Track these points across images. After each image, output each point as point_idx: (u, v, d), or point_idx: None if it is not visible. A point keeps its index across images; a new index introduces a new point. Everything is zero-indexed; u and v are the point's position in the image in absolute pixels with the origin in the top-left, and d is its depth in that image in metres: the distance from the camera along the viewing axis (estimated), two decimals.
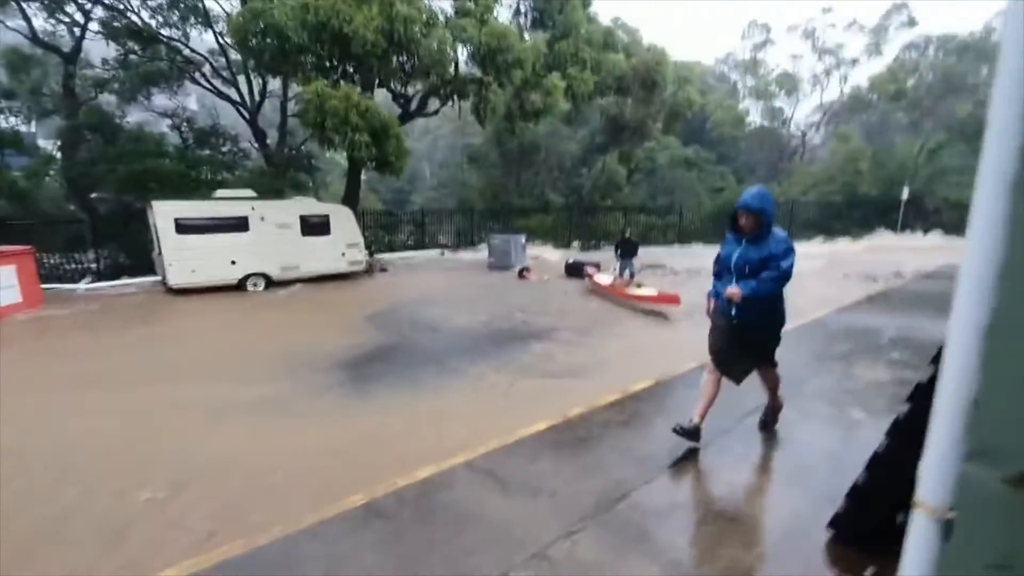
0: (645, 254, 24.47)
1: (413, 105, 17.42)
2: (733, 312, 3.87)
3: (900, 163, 26.79)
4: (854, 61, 35.23)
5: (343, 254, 14.72)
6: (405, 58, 13.38)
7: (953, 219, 25.52)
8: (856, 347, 6.70)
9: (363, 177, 18.53)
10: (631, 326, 9.74)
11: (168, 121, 20.04)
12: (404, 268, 18.71)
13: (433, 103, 17.07)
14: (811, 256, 21.91)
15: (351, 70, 13.98)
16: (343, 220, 14.80)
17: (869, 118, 34.97)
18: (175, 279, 12.73)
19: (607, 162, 25.69)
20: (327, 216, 14.38)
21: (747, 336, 3.92)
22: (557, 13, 15.82)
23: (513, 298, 12.81)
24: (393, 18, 12.56)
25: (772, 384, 4.26)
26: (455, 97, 15.61)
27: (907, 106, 32.44)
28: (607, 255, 24.39)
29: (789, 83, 34.87)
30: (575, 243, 25.47)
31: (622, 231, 13.64)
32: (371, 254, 17.37)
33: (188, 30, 18.04)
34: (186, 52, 18.51)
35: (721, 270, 4.03)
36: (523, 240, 19.32)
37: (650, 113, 16.37)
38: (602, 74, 16.46)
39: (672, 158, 28.49)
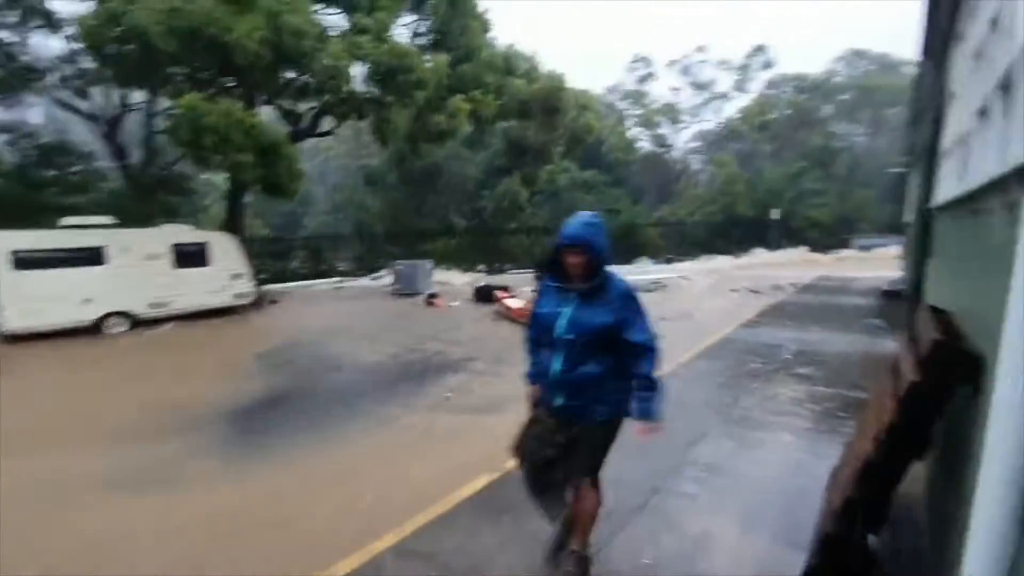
0: None
1: (305, 124, 16.35)
2: (560, 402, 2.68)
3: (769, 187, 30.05)
4: (725, 95, 39.28)
5: (226, 286, 13.21)
6: (296, 73, 12.44)
7: (815, 236, 29.02)
8: (767, 363, 7.00)
9: (247, 200, 16.98)
10: None
11: (3, 137, 17.11)
12: (299, 299, 17.30)
13: (327, 122, 16.14)
14: (704, 272, 23.68)
15: (232, 84, 12.75)
16: (224, 248, 13.33)
17: (741, 147, 39.00)
18: (14, 323, 10.60)
19: (509, 185, 26.02)
20: (204, 244, 12.85)
21: (579, 433, 2.71)
22: (458, 36, 15.79)
23: (423, 327, 12.21)
24: (280, 29, 11.66)
25: (586, 517, 2.79)
26: (353, 116, 14.85)
27: (770, 136, 36.62)
28: (514, 278, 24.61)
29: (671, 113, 37.95)
30: (481, 266, 25.33)
31: (538, 264, 13.79)
32: (259, 285, 15.85)
33: (28, 34, 15.60)
34: (25, 59, 15.98)
35: (539, 336, 2.78)
36: (430, 265, 18.76)
37: (552, 138, 16.84)
38: (505, 98, 16.65)
39: (572, 181, 29.56)
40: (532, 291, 17.07)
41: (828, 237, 28.93)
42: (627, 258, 26.23)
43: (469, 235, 25.54)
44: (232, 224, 16.62)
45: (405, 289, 17.61)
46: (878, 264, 23.85)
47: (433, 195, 25.57)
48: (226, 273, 13.19)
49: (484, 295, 16.03)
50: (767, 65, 38.37)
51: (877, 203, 31.37)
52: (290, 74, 12.41)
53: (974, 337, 2.35)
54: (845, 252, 27.76)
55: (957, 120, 4.17)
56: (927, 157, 8.49)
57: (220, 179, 18.24)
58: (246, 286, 13.70)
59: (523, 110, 16.90)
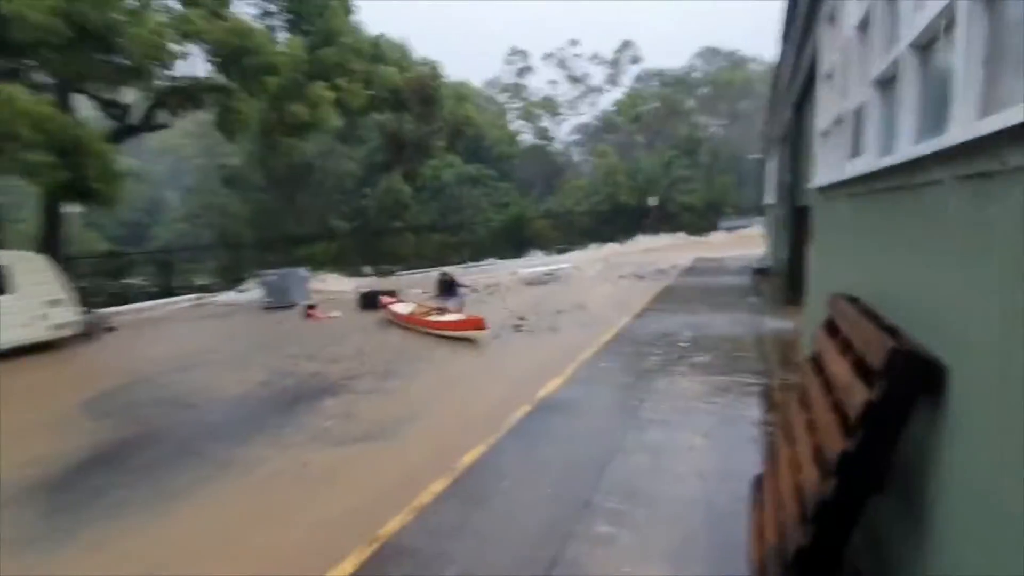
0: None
1: (136, 117, 13.89)
2: None
3: (646, 175, 31.69)
4: (600, 89, 40.83)
5: (38, 317, 10.75)
6: (104, 54, 10.25)
7: (688, 220, 31.15)
8: (667, 355, 6.87)
9: (72, 211, 14.12)
10: (439, 359, 8.84)
11: None
12: (145, 324, 14.82)
13: (162, 114, 13.82)
14: (592, 260, 24.30)
15: (17, 67, 10.25)
16: (33, 271, 10.86)
17: (618, 138, 40.82)
18: None
19: (391, 182, 24.71)
20: (2, 268, 10.35)
21: None
22: (316, 17, 14.28)
23: (298, 344, 10.88)
24: None
25: None
26: (189, 106, 12.77)
27: (643, 128, 38.72)
28: (405, 280, 23.49)
29: (550, 106, 38.67)
30: (367, 269, 23.83)
31: (441, 273, 12.70)
32: (90, 311, 13.26)
33: None
34: None
35: None
36: (305, 273, 17.08)
37: (432, 130, 16.01)
38: (376, 87, 15.44)
39: (458, 176, 28.89)
40: (423, 293, 16.14)
41: (700, 220, 31.19)
42: (519, 250, 26.22)
43: (352, 237, 23.88)
44: (49, 240, 13.76)
45: (277, 302, 15.85)
46: (742, 243, 26.04)
47: (306, 195, 23.51)
48: (37, 301, 10.74)
49: (370, 301, 14.85)
50: (635, 60, 40.51)
51: (736, 188, 34.41)
52: (98, 54, 10.19)
53: (915, 336, 2.03)
54: (715, 234, 30.11)
55: (840, 99, 4.09)
56: (793, 141, 9.02)
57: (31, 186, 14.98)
58: (67, 314, 11.28)
59: (397, 100, 15.83)
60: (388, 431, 5.73)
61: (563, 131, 42.35)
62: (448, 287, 12.29)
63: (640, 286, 15.47)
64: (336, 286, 19.87)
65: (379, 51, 15.88)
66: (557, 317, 12.06)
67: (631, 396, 5.19)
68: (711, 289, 12.52)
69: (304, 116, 13.17)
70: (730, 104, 37.48)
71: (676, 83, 38.69)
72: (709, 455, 4.03)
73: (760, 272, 14.28)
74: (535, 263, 24.13)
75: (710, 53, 38.31)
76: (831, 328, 2.90)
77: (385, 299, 13.63)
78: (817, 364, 2.88)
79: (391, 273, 24.07)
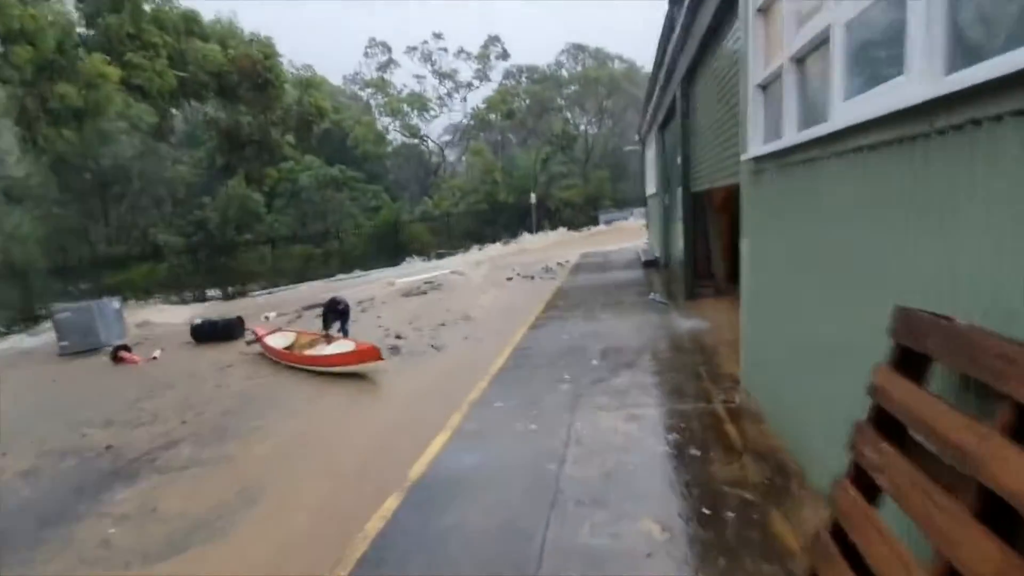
0: (308, 290, 21.45)
1: None
2: None
3: (523, 172, 31.15)
4: (469, 85, 39.76)
5: None
6: None
7: (569, 216, 31.17)
8: (578, 380, 5.60)
9: None
10: (289, 408, 6.83)
11: None
12: None
13: None
14: (476, 263, 22.98)
15: None
16: None
17: (492, 136, 40.08)
18: None
19: (235, 188, 21.32)
20: None
21: None
22: None
23: (97, 403, 8.21)
24: None
25: None
26: None
27: (516, 125, 38.37)
28: (263, 302, 20.31)
29: (418, 102, 36.80)
30: (213, 292, 20.30)
31: (331, 299, 10.14)
32: None
33: None
34: None
35: None
36: (116, 305, 13.67)
37: (271, 121, 13.47)
38: (190, 68, 12.55)
39: (318, 179, 25.97)
40: (277, 317, 13.70)
41: (580, 215, 31.35)
42: (395, 258, 24.10)
43: (189, 255, 20.14)
44: None
45: (78, 344, 12.46)
46: (623, 235, 26.39)
47: (123, 208, 19.34)
48: None
49: (207, 334, 12.12)
50: (503, 56, 40.01)
51: (612, 181, 35.28)
52: None
53: None
54: (596, 228, 30.40)
55: (796, 29, 3.01)
56: (684, 122, 8.29)
57: None
58: None
59: (223, 86, 13.07)
60: (206, 532, 3.84)
61: (436, 130, 40.77)
62: (341, 315, 10.03)
63: (530, 288, 14.39)
64: (166, 317, 16.42)
65: (195, 25, 12.95)
66: (441, 332, 10.50)
67: (545, 454, 3.75)
68: (607, 287, 11.70)
69: (77, 100, 10.07)
70: (598, 101, 38.41)
71: (545, 80, 38.84)
72: (669, 551, 2.70)
73: (650, 264, 13.89)
74: (414, 271, 22.25)
75: (576, 50, 38.98)
76: (907, 357, 1.66)
77: (260, 329, 10.93)
78: (904, 436, 1.62)
79: (243, 294, 20.76)
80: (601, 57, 38.93)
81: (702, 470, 3.21)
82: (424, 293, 16.88)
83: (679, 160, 8.49)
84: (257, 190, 22.92)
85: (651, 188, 15.79)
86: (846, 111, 2.31)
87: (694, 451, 3.46)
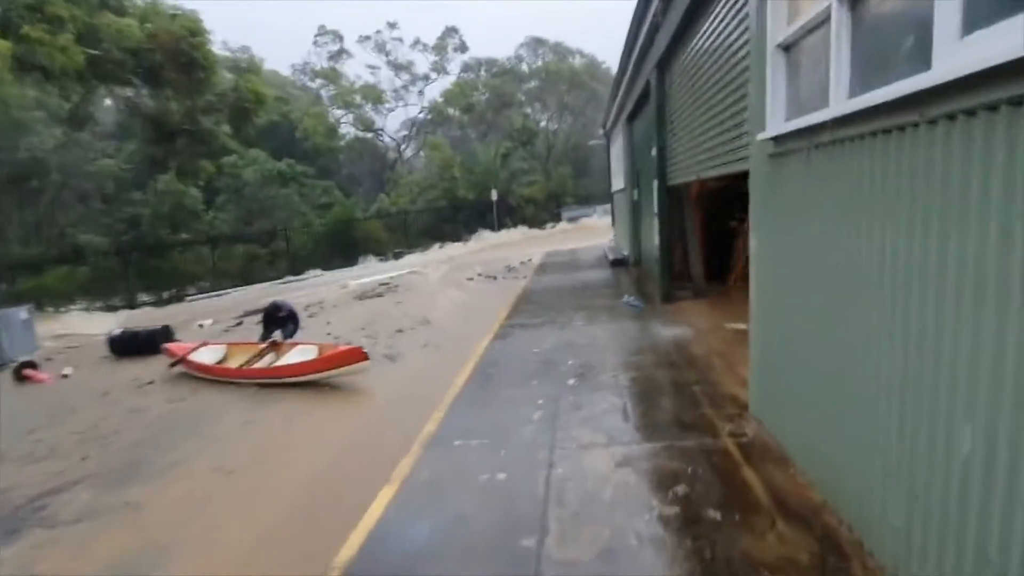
0: (253, 293, 19.81)
1: None
2: None
3: (484, 168, 30.22)
4: (426, 77, 38.50)
5: None
6: None
7: (532, 213, 30.46)
8: (551, 404, 4.81)
9: None
10: (226, 435, 5.76)
11: None
12: None
13: None
14: (435, 263, 21.93)
15: None
16: None
17: (450, 130, 38.94)
18: None
19: (169, 183, 19.56)
20: None
21: None
22: None
23: None
24: None
25: None
26: None
27: (476, 119, 37.38)
28: (201, 307, 18.70)
29: (373, 94, 35.30)
30: (143, 297, 18.56)
31: (272, 304, 8.80)
32: None
33: None
34: None
35: None
36: (24, 314, 12.05)
37: (201, 108, 12.03)
38: (103, 45, 11.03)
39: (263, 174, 24.33)
40: (213, 324, 12.51)
41: (542, 212, 30.68)
42: (349, 258, 22.77)
43: (118, 256, 18.30)
44: None
45: None
46: (587, 233, 25.87)
47: (39, 206, 17.37)
48: None
49: (127, 346, 10.75)
50: (461, 48, 38.92)
51: (574, 177, 34.78)
52: None
53: None
54: (559, 225, 29.80)
55: None
56: (660, 111, 7.59)
57: None
58: None
59: (144, 67, 11.56)
60: None
61: (393, 125, 39.31)
62: (283, 322, 8.83)
63: (494, 290, 13.57)
64: (88, 327, 14.73)
65: None
66: (397, 340, 9.56)
67: (519, 521, 2.87)
68: (576, 289, 10.98)
69: None
70: (559, 96, 37.85)
71: (505, 73, 38.00)
72: None
73: (618, 264, 13.27)
74: (369, 272, 21.06)
75: (535, 44, 38.25)
76: None
77: (174, 347, 9.26)
78: None
79: (180, 299, 19.10)
80: (561, 51, 38.39)
81: (729, 545, 2.44)
82: (380, 295, 15.80)
83: (653, 152, 7.81)
84: (193, 185, 21.16)
85: (617, 184, 15.20)
86: (965, 51, 1.57)
87: (712, 513, 2.70)
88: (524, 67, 39.35)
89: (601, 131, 18.00)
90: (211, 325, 14.05)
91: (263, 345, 8.05)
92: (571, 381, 5.13)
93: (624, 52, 9.06)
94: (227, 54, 16.32)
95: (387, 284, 17.49)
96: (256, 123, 14.20)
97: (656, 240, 8.11)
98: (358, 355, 6.43)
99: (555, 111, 38.60)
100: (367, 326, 11.40)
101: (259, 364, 7.73)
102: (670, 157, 7.38)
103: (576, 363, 5.67)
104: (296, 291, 18.25)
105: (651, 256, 9.94)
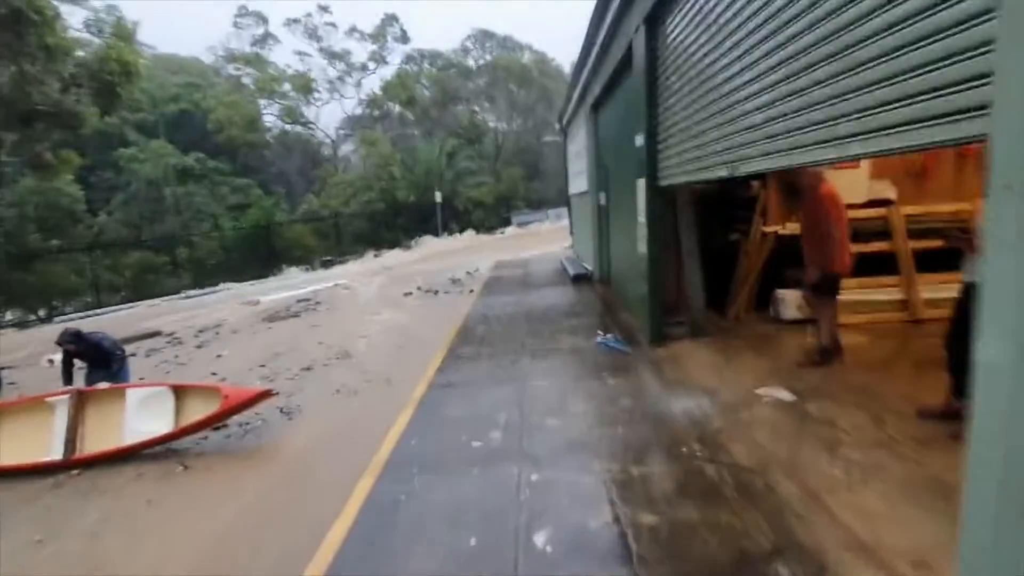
0: (144, 310, 16.38)
1: None
2: None
3: (427, 167, 27.79)
4: (364, 68, 35.64)
5: None
6: None
7: (479, 217, 28.28)
8: (499, 544, 2.69)
9: None
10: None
11: None
12: None
13: None
14: (370, 273, 19.40)
15: None
16: None
17: (392, 127, 36.24)
18: None
19: (43, 179, 16.10)
20: None
21: None
22: None
23: None
24: None
25: None
26: None
27: (419, 115, 34.90)
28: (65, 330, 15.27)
29: (301, 82, 32.14)
30: (7, 315, 15.13)
31: (65, 332, 5.82)
32: None
33: None
34: None
35: None
36: None
37: (31, 74, 9.19)
38: None
39: (165, 170, 21.00)
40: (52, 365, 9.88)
41: (490, 217, 28.56)
42: (265, 269, 19.83)
43: None
44: None
45: None
46: (540, 240, 23.95)
47: None
48: None
49: None
50: (402, 38, 36.32)
51: (525, 180, 32.87)
52: None
53: None
54: (509, 230, 27.77)
55: None
56: (649, 90, 5.58)
57: None
58: None
59: None
60: None
61: (329, 119, 36.21)
62: (96, 361, 6.11)
63: (434, 309, 11.39)
64: None
65: None
66: (303, 381, 7.27)
67: None
68: (533, 315, 8.88)
69: None
70: (508, 93, 35.92)
71: (450, 67, 35.73)
72: None
73: (580, 279, 11.33)
74: (289, 284, 18.30)
75: (483, 36, 36.19)
76: None
77: None
78: None
79: (48, 317, 15.76)
80: (510, 45, 36.49)
81: None
82: (296, 316, 13.24)
83: (639, 141, 5.85)
84: (75, 182, 17.72)
85: (577, 186, 13.32)
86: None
87: None
88: (471, 61, 37.22)
89: (557, 126, 16.09)
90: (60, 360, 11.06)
91: (59, 394, 5.34)
92: (538, 538, 2.96)
93: (596, 9, 7.07)
94: (87, 13, 13.19)
95: (307, 301, 14.91)
96: (125, 101, 11.50)
97: (640, 255, 6.14)
98: (255, 395, 4.76)
99: (504, 109, 36.64)
100: (270, 360, 9.00)
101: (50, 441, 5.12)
102: (664, 148, 5.43)
103: (540, 479, 3.52)
104: (193, 310, 15.30)
105: (626, 274, 8.01)
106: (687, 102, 4.63)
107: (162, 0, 34.73)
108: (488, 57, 36.34)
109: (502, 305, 10.00)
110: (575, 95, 11.34)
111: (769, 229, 6.32)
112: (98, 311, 16.67)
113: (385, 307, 12.65)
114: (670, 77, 5.13)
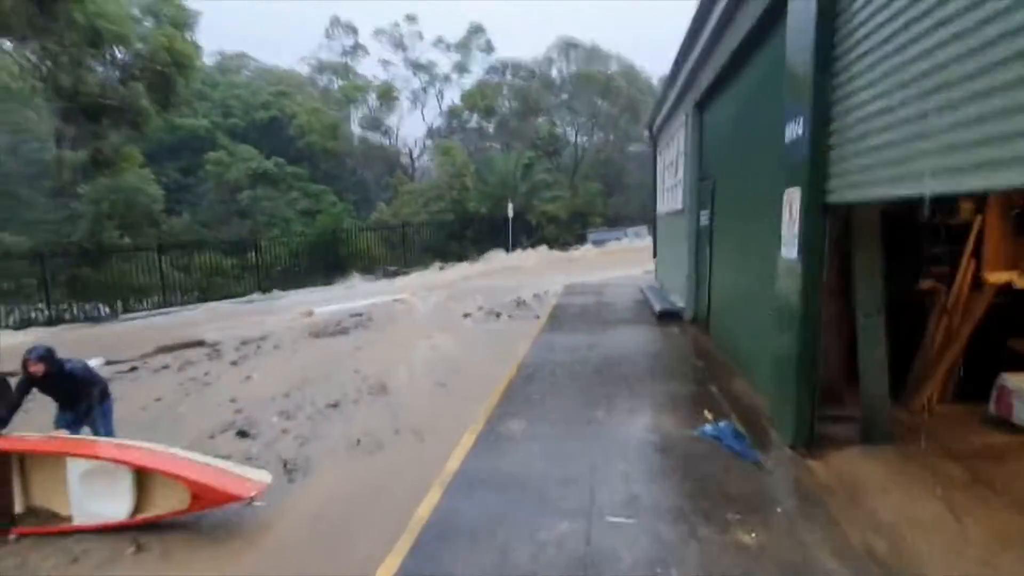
0: (206, 313, 15.93)
1: None
2: None
3: (501, 179, 26.35)
4: (447, 77, 35.06)
5: None
6: None
7: (553, 233, 26.43)
8: None
9: None
10: None
11: None
12: None
13: None
14: (432, 287, 18.05)
15: None
16: None
17: (470, 139, 35.36)
18: None
19: (119, 176, 16.09)
20: None
21: None
22: None
23: None
24: None
25: None
26: None
27: (498, 126, 33.75)
28: (130, 329, 15.05)
29: (387, 92, 31.90)
30: (67, 312, 15.05)
31: (42, 349, 4.74)
32: None
33: None
34: None
35: None
36: None
37: (76, 60, 8.44)
38: None
39: (246, 172, 20.89)
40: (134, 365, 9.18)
41: (564, 233, 26.61)
42: (329, 276, 19.02)
43: (35, 262, 14.83)
44: None
45: None
46: (618, 260, 21.73)
47: None
48: None
49: None
50: (487, 49, 35.44)
51: (604, 195, 30.69)
52: None
53: None
54: (584, 248, 25.68)
55: None
56: (824, 47, 3.38)
57: None
58: None
59: None
60: None
61: (409, 130, 35.90)
62: (64, 391, 4.80)
63: (490, 340, 9.69)
64: None
65: None
66: (322, 426, 5.94)
67: None
68: (607, 368, 6.83)
69: None
70: (591, 104, 33.98)
71: (531, 77, 34.33)
72: None
73: (668, 317, 9.14)
74: (349, 295, 17.30)
75: (567, 46, 34.50)
76: None
77: None
78: None
79: (116, 316, 15.58)
80: (596, 55, 34.57)
81: None
82: (345, 332, 11.98)
83: (797, 133, 3.77)
84: (155, 182, 17.73)
85: (668, 203, 11.15)
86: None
87: None
88: (554, 72, 35.61)
89: (646, 133, 13.95)
90: (102, 366, 10.25)
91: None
92: None
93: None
94: None
95: (360, 316, 13.67)
96: (183, 95, 10.92)
97: (784, 304, 4.03)
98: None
99: (586, 121, 34.69)
100: (296, 390, 7.66)
101: None
102: (844, 143, 3.33)
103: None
104: (244, 317, 14.52)
105: (738, 321, 5.85)
106: (908, 59, 2.54)
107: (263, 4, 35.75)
108: (573, 68, 34.59)
109: (568, 348, 7.99)
110: (672, 93, 9.26)
111: (994, 277, 4.00)
112: (163, 310, 16.40)
113: (439, 329, 11.08)
114: (862, 27, 3.05)
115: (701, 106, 7.99)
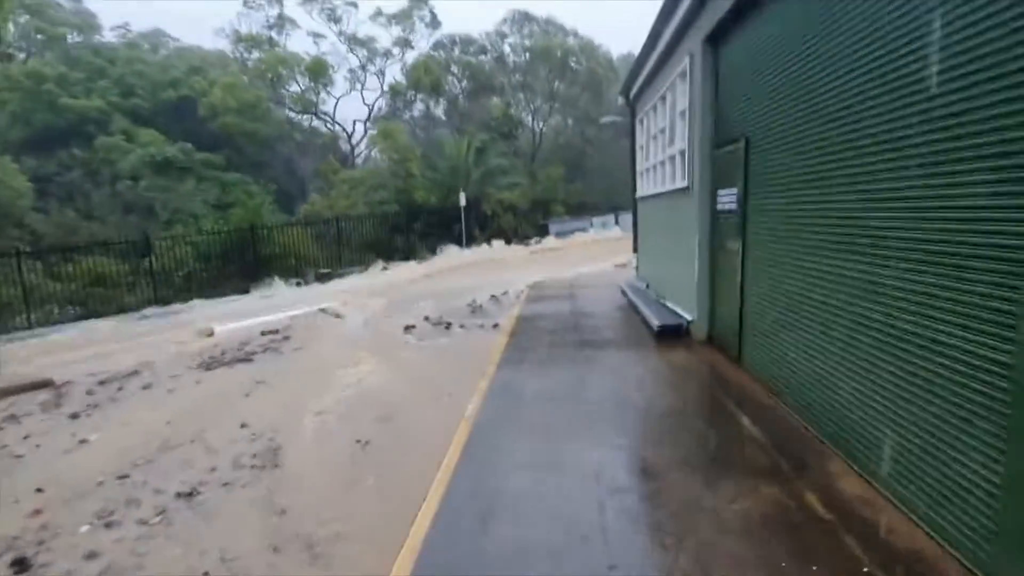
0: (82, 336, 12.47)
1: None
2: None
3: (452, 164, 23.74)
4: (388, 54, 32.00)
5: None
6: None
7: (511, 224, 24.09)
8: None
9: None
10: None
11: None
12: None
13: None
14: (372, 290, 15.43)
15: None
16: None
17: (418, 121, 32.47)
18: None
19: None
20: None
21: None
22: None
23: None
24: None
25: None
26: None
27: (448, 108, 31.08)
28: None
29: (316, 67, 28.59)
30: None
31: None
32: None
33: None
34: None
35: None
36: None
37: None
38: None
39: (150, 160, 17.54)
40: None
41: (525, 224, 24.32)
42: (245, 282, 16.07)
43: None
44: None
45: None
46: (584, 253, 19.65)
47: None
48: None
49: None
50: (433, 23, 32.58)
51: (565, 180, 28.56)
52: None
53: None
54: (546, 241, 23.45)
55: None
56: None
57: None
58: None
59: None
60: None
61: (347, 113, 32.68)
62: None
63: (437, 365, 7.32)
64: None
65: None
66: (148, 547, 3.26)
67: None
68: (599, 414, 4.58)
69: None
70: (548, 83, 31.70)
71: (483, 53, 31.75)
72: None
73: (668, 333, 6.96)
74: (267, 305, 14.49)
75: (522, 19, 32.04)
76: None
77: None
78: None
79: None
80: (552, 30, 32.27)
81: None
82: (248, 359, 9.29)
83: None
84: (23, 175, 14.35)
85: (657, 182, 8.97)
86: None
87: None
88: (507, 47, 33.04)
89: (621, 100, 11.73)
90: None
91: None
92: None
93: None
94: None
95: (276, 332, 11.01)
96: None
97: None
98: None
99: (543, 101, 32.38)
100: (147, 461, 5.12)
101: None
102: None
103: None
104: (127, 340, 11.58)
105: (807, 348, 3.64)
106: None
107: None
108: (527, 43, 32.17)
109: (542, 397, 5.60)
110: (666, 30, 6.99)
111: None
112: (22, 333, 13.20)
113: (371, 352, 8.61)
114: None
115: (715, 40, 5.78)
